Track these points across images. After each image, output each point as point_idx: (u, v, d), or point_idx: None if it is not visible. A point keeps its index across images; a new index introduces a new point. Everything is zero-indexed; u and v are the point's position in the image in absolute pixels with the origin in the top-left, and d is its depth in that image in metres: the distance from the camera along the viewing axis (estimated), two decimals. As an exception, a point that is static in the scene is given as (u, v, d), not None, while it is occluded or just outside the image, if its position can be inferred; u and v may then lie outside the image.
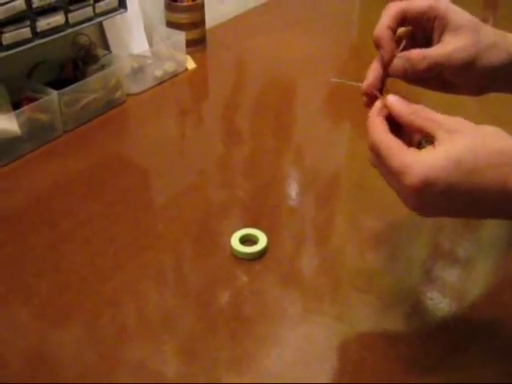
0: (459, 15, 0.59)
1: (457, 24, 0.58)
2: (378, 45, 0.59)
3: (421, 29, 0.61)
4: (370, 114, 0.55)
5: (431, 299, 0.74)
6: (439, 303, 0.73)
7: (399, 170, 0.50)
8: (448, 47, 0.58)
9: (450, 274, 0.78)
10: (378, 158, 0.53)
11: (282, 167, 1.03)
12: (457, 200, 0.49)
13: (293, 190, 0.98)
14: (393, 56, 0.59)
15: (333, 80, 0.60)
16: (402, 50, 0.60)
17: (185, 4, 1.37)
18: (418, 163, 0.49)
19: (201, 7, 1.39)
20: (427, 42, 0.61)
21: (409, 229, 0.87)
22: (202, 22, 1.41)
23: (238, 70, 1.39)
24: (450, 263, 0.80)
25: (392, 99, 0.54)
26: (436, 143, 0.50)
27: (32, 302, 0.74)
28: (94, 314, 0.72)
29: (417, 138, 0.54)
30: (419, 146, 0.53)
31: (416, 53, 0.58)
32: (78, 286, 0.76)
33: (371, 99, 0.59)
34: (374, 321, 0.71)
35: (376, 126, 0.54)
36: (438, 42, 0.60)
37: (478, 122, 0.51)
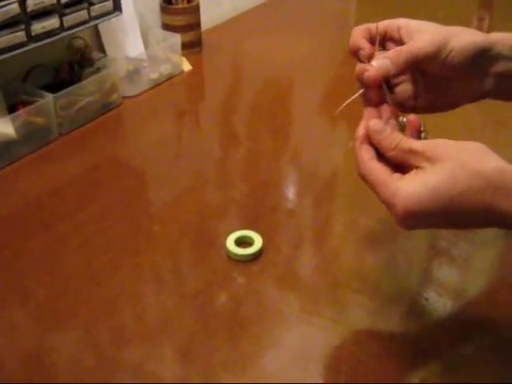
0: (412, 23, 0.61)
1: (421, 26, 0.60)
2: (355, 49, 0.61)
3: (389, 43, 0.63)
4: (356, 143, 0.57)
5: (427, 299, 0.74)
6: (435, 303, 0.74)
7: (385, 200, 0.53)
8: (417, 41, 0.59)
9: (446, 275, 0.79)
10: (367, 185, 0.56)
11: (278, 169, 1.03)
12: (442, 221, 0.52)
13: (289, 191, 0.98)
14: (372, 53, 0.61)
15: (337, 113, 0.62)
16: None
17: (180, 6, 1.37)
18: (399, 194, 0.51)
19: (196, 9, 1.39)
20: None
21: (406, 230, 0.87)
22: (198, 24, 1.41)
23: (234, 72, 1.39)
24: (446, 263, 0.81)
25: (374, 126, 0.56)
26: (416, 171, 0.52)
27: (29, 304, 0.74)
28: (91, 317, 0.72)
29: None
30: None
31: (391, 50, 0.60)
32: (75, 289, 0.76)
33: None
34: (370, 322, 0.71)
35: (361, 156, 0.56)
36: None
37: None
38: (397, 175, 0.53)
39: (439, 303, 0.73)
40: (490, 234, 0.86)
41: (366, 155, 0.56)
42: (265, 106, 1.23)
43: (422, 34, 0.59)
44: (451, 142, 0.52)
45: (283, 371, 0.66)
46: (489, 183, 0.49)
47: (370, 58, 0.61)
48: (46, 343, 0.69)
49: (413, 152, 0.52)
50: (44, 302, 0.75)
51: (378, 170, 0.54)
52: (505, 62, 0.60)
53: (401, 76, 0.61)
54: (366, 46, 0.61)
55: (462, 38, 0.59)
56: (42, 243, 0.84)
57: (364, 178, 0.56)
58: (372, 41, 0.62)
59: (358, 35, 0.62)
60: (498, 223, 0.51)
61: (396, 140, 0.54)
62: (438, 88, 0.62)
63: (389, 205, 0.52)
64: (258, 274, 0.78)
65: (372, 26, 0.62)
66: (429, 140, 0.53)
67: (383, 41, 0.63)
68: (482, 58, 0.59)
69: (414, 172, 0.52)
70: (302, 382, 0.64)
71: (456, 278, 0.79)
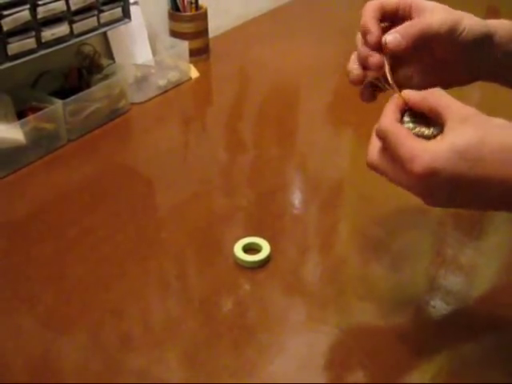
0: (432, 2, 0.61)
1: (431, 6, 0.60)
2: (364, 34, 0.61)
3: (400, 21, 0.62)
4: (386, 106, 0.56)
5: (434, 307, 0.74)
6: (441, 311, 0.74)
7: (406, 157, 0.50)
8: (428, 18, 0.59)
9: (453, 282, 0.79)
10: (385, 145, 0.54)
11: (285, 175, 1.03)
12: (460, 190, 0.50)
13: (296, 198, 0.99)
14: (379, 41, 0.60)
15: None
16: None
17: (188, 14, 1.38)
18: (425, 152, 0.49)
19: (204, 16, 1.40)
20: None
21: (411, 237, 0.87)
22: (206, 31, 1.42)
23: (241, 79, 1.40)
24: (452, 271, 0.81)
25: (407, 90, 0.55)
26: (445, 131, 0.51)
27: (37, 310, 0.75)
28: (98, 322, 0.73)
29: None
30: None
31: (403, 25, 0.60)
32: (82, 294, 0.77)
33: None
34: (376, 329, 0.71)
35: (387, 115, 0.54)
36: None
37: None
38: (420, 138, 0.52)
39: (446, 311, 0.73)
40: (495, 241, 0.86)
41: (393, 115, 0.54)
42: (271, 112, 1.23)
43: (435, 13, 0.60)
44: (481, 114, 0.52)
45: (289, 378, 0.66)
46: (510, 156, 0.49)
47: (376, 45, 0.60)
48: (53, 348, 0.69)
49: (447, 106, 0.52)
50: (51, 307, 0.75)
51: (402, 129, 0.53)
52: (503, 46, 0.62)
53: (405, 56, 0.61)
54: (374, 30, 0.60)
55: (473, 20, 0.60)
56: (50, 248, 0.84)
57: (385, 134, 0.53)
58: (384, 18, 0.61)
59: (370, 14, 0.61)
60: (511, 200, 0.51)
61: (433, 89, 0.54)
62: (435, 70, 0.63)
63: (410, 159, 0.50)
64: (264, 280, 0.78)
65: (385, 3, 0.61)
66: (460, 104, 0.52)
67: (393, 18, 0.62)
68: (486, 40, 0.61)
69: (439, 137, 0.51)
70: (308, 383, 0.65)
71: (463, 285, 0.78)
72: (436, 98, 0.53)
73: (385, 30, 0.61)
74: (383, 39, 0.59)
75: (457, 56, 0.62)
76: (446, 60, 0.62)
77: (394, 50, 0.59)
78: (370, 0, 0.63)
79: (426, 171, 0.49)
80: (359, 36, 0.63)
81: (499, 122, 0.51)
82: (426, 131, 0.53)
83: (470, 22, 0.60)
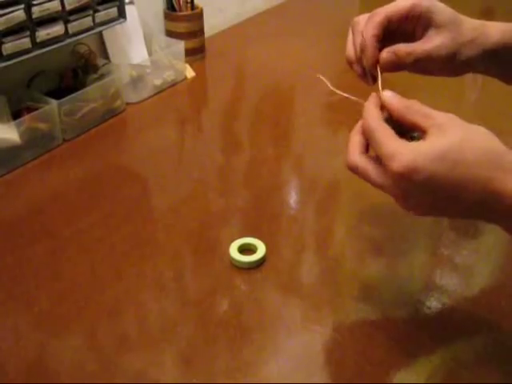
0: (442, 12, 0.62)
1: (440, 21, 0.62)
2: (362, 51, 0.63)
3: (403, 26, 0.64)
4: (366, 103, 0.57)
5: (429, 307, 0.74)
6: (437, 312, 0.74)
7: (388, 154, 0.51)
8: (431, 44, 0.62)
9: (448, 282, 0.79)
10: (370, 142, 0.54)
11: (280, 176, 1.03)
12: (439, 192, 0.50)
13: (292, 198, 0.99)
14: (375, 61, 0.62)
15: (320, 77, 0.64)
16: None
17: (184, 13, 1.38)
18: (406, 150, 0.50)
19: (200, 16, 1.40)
20: (407, 37, 0.64)
21: (407, 237, 0.87)
22: (201, 30, 1.42)
23: (236, 79, 1.40)
24: (448, 272, 0.81)
25: (388, 94, 0.56)
26: (426, 136, 0.51)
27: (32, 311, 0.75)
28: (93, 324, 0.73)
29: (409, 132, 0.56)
30: (411, 140, 0.54)
31: (403, 49, 0.62)
32: (77, 296, 0.76)
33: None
34: (372, 329, 0.71)
35: (371, 114, 0.55)
36: (421, 37, 0.63)
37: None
38: (403, 139, 0.53)
39: (442, 312, 0.74)
40: (491, 242, 0.87)
41: (376, 114, 0.55)
42: (267, 112, 1.23)
43: (439, 36, 0.62)
44: (461, 120, 0.52)
45: (285, 379, 0.66)
46: (492, 160, 0.49)
47: (372, 62, 0.62)
48: (48, 349, 0.69)
49: (425, 115, 0.52)
50: (47, 309, 0.75)
51: (386, 128, 0.53)
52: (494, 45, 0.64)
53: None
54: (371, 54, 0.62)
55: (475, 45, 0.63)
56: (45, 249, 0.84)
57: (370, 133, 0.54)
58: (387, 29, 0.62)
59: (372, 31, 0.61)
60: (490, 207, 0.50)
61: (411, 101, 0.54)
62: (424, 66, 0.65)
63: (391, 156, 0.50)
64: (260, 281, 0.78)
65: (392, 13, 0.62)
66: (440, 112, 0.53)
67: (398, 26, 0.63)
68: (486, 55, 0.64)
69: (421, 139, 0.52)
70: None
71: (458, 285, 0.79)
72: (412, 111, 0.53)
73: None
74: (380, 56, 0.62)
75: (451, 72, 0.65)
76: (440, 73, 0.66)
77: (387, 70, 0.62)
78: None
79: (406, 169, 0.49)
80: (357, 21, 0.64)
81: (479, 128, 0.52)
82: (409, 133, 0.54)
83: (469, 51, 0.63)
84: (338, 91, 0.63)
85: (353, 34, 0.65)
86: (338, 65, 1.46)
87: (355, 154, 0.56)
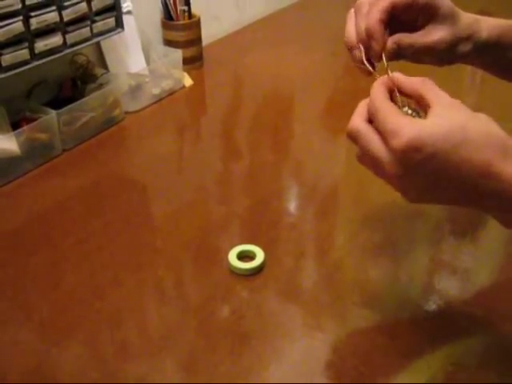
0: (445, 5, 0.64)
1: (442, 14, 0.64)
2: (369, 36, 0.62)
3: (405, 14, 0.64)
4: (374, 83, 0.56)
5: (428, 312, 0.74)
6: (436, 316, 0.74)
7: (392, 129, 0.50)
8: (433, 37, 0.64)
9: (447, 287, 0.79)
10: (373, 119, 0.54)
11: (279, 182, 1.03)
12: (439, 172, 0.50)
13: (291, 204, 0.99)
14: (383, 47, 0.62)
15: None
16: None
17: (181, 22, 1.39)
18: (411, 127, 0.50)
19: (197, 25, 1.41)
20: (407, 26, 0.65)
21: (406, 243, 0.87)
22: (199, 39, 1.43)
23: (235, 86, 1.40)
24: (447, 276, 0.81)
25: (398, 74, 0.56)
26: (430, 115, 0.51)
27: (33, 320, 0.75)
28: (94, 332, 0.73)
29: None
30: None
31: (406, 40, 0.63)
32: (78, 304, 0.77)
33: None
34: (372, 335, 0.72)
35: (378, 92, 0.55)
36: (422, 27, 0.65)
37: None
38: (409, 116, 0.53)
39: (442, 316, 0.74)
40: (490, 245, 0.87)
41: (384, 94, 0.54)
42: (266, 119, 1.24)
43: (440, 30, 0.64)
44: (465, 106, 0.52)
45: (285, 385, 0.66)
46: (494, 143, 0.50)
47: (378, 53, 0.62)
48: (49, 358, 0.70)
49: (435, 93, 0.52)
50: (47, 317, 0.75)
51: (392, 106, 0.53)
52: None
53: None
54: (378, 40, 0.61)
55: (470, 41, 0.66)
56: (45, 258, 0.84)
57: (375, 110, 0.53)
58: (393, 16, 0.62)
59: (379, 16, 0.61)
60: (487, 191, 0.50)
61: (422, 78, 0.55)
62: (421, 57, 0.66)
63: (396, 132, 0.50)
64: (260, 287, 0.79)
65: (396, 1, 0.62)
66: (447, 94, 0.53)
67: (404, 12, 0.63)
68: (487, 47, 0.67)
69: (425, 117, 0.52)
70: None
71: (457, 289, 0.79)
72: (425, 85, 0.53)
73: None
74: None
75: (442, 63, 0.67)
76: (432, 63, 0.67)
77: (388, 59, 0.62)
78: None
79: (410, 145, 0.49)
80: (361, 4, 0.64)
81: (481, 114, 0.52)
82: (414, 113, 0.54)
83: (464, 47, 0.66)
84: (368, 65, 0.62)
85: (356, 17, 0.64)
86: (335, 71, 1.47)
87: (358, 119, 0.55)
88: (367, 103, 0.55)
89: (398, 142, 0.49)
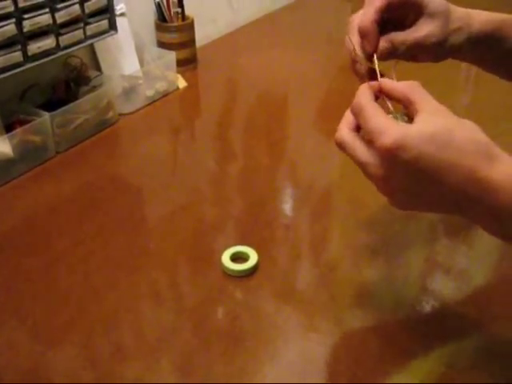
0: (434, 1, 0.64)
1: (432, 9, 0.64)
2: (363, 36, 0.63)
3: (396, 12, 0.64)
4: (361, 86, 0.57)
5: (422, 313, 0.75)
6: (430, 317, 0.74)
7: (377, 129, 0.51)
8: (422, 32, 0.64)
9: (444, 288, 0.79)
10: (358, 120, 0.54)
11: (274, 184, 1.03)
12: (423, 173, 0.50)
13: (285, 206, 0.99)
14: (376, 47, 0.63)
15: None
16: None
17: (175, 24, 1.39)
18: (396, 127, 0.50)
19: (191, 27, 1.41)
20: (398, 24, 0.65)
21: (401, 244, 0.87)
22: (193, 41, 1.43)
23: (229, 88, 1.40)
24: (441, 277, 0.81)
25: (386, 79, 0.57)
26: (416, 120, 0.51)
27: (27, 323, 0.75)
28: (89, 334, 0.73)
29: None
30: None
31: (397, 38, 0.64)
32: (72, 306, 0.77)
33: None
34: (366, 335, 0.72)
35: (364, 93, 0.55)
36: (412, 24, 0.65)
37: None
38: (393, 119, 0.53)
39: (437, 317, 0.74)
40: (485, 247, 0.87)
41: (369, 95, 0.55)
42: (260, 121, 1.24)
43: (430, 25, 0.64)
44: (451, 113, 0.53)
45: (280, 386, 0.66)
46: (479, 150, 0.50)
47: (370, 53, 0.63)
48: (44, 360, 0.69)
49: (424, 98, 0.53)
50: (41, 320, 0.75)
51: (377, 107, 0.53)
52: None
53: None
54: (372, 41, 0.62)
55: (461, 34, 0.66)
56: (39, 260, 0.84)
57: (360, 109, 0.54)
58: (388, 14, 0.63)
59: (372, 16, 0.62)
60: (473, 198, 0.50)
61: (414, 82, 0.55)
62: (413, 54, 0.66)
63: (381, 131, 0.50)
64: (254, 289, 0.79)
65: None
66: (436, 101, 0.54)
67: (399, 9, 0.64)
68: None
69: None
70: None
71: (452, 289, 0.79)
72: (413, 90, 0.54)
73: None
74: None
75: (435, 59, 0.68)
76: (424, 59, 0.68)
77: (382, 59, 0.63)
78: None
79: (394, 145, 0.49)
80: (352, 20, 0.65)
81: (467, 121, 0.52)
82: (400, 119, 0.54)
83: (455, 40, 0.66)
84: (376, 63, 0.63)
85: (348, 31, 0.65)
86: (329, 72, 1.48)
87: (344, 129, 0.56)
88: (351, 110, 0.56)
89: (385, 140, 0.50)
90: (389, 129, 0.50)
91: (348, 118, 0.56)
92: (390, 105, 0.55)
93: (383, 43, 0.63)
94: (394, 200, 0.55)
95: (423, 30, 0.64)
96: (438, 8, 0.64)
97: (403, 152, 0.49)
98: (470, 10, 0.68)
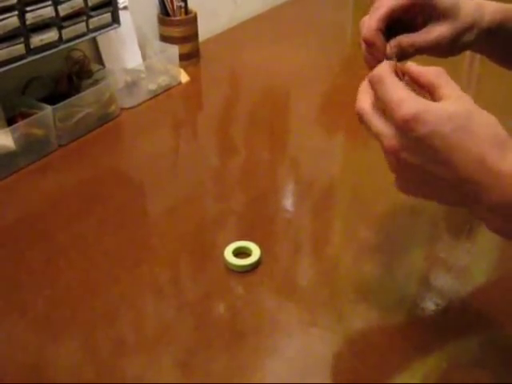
0: (444, 1, 0.63)
1: (442, 9, 0.63)
2: (369, 46, 0.62)
3: (405, 15, 0.63)
4: (382, 63, 0.55)
5: (424, 310, 0.74)
6: (432, 314, 0.74)
7: (397, 100, 0.50)
8: (433, 35, 0.64)
9: (444, 284, 0.79)
10: (376, 90, 0.53)
11: (276, 179, 1.03)
12: (434, 153, 0.49)
13: (287, 201, 0.99)
14: (384, 54, 0.62)
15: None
16: None
17: (177, 18, 1.38)
18: (416, 101, 0.49)
19: (194, 21, 1.40)
20: (408, 26, 0.64)
21: (403, 239, 0.87)
22: (195, 35, 1.42)
23: (231, 83, 1.40)
24: (443, 273, 0.81)
25: (412, 63, 0.56)
26: (440, 101, 0.51)
27: (28, 316, 0.75)
28: (90, 328, 0.73)
29: None
30: None
31: (406, 41, 0.63)
32: (73, 301, 0.77)
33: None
34: (368, 331, 0.72)
35: (384, 66, 0.54)
36: (422, 25, 0.64)
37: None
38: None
39: (438, 313, 0.74)
40: (486, 242, 0.87)
41: (389, 68, 0.54)
42: (262, 116, 1.23)
43: (440, 26, 0.63)
44: (472, 100, 0.52)
45: (281, 382, 0.66)
46: (493, 139, 0.49)
47: (379, 61, 0.61)
48: (45, 355, 0.69)
49: (449, 85, 0.52)
50: (43, 314, 0.75)
51: (397, 79, 0.53)
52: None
53: None
54: (379, 49, 0.61)
55: (473, 31, 0.65)
56: (41, 255, 0.84)
57: (379, 80, 0.52)
58: (392, 21, 0.62)
59: (376, 25, 0.61)
60: (482, 188, 0.49)
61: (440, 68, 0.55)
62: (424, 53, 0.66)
63: (401, 102, 0.50)
64: (256, 284, 0.79)
65: (397, 4, 0.61)
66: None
67: (404, 15, 0.63)
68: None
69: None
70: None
71: (453, 286, 0.79)
72: (440, 77, 0.53)
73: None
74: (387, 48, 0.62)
75: (447, 55, 0.67)
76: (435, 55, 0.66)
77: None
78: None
79: (412, 117, 0.48)
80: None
81: (490, 114, 0.52)
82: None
83: (466, 37, 0.65)
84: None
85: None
86: (332, 68, 1.47)
87: (363, 99, 0.55)
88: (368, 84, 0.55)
89: (403, 111, 0.49)
90: (410, 100, 0.49)
91: (366, 89, 0.55)
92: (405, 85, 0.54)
93: (391, 48, 0.62)
94: (399, 179, 0.54)
95: (434, 32, 0.63)
96: (448, 7, 0.63)
97: (419, 125, 0.48)
98: (481, 1, 0.66)
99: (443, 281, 0.80)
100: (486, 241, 0.87)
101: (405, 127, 0.49)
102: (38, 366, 0.68)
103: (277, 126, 1.20)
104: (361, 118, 0.55)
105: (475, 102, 0.52)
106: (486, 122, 0.50)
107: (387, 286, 0.79)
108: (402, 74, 0.55)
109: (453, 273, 0.81)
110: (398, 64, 0.56)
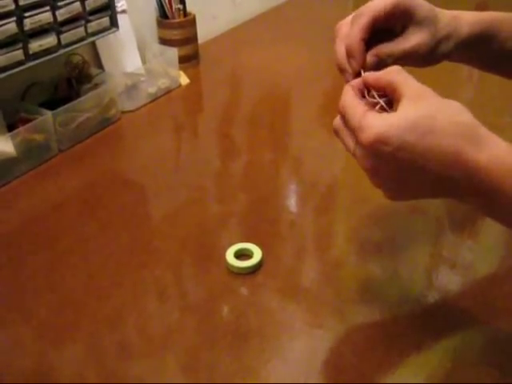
0: (422, 9, 0.63)
1: (420, 18, 0.63)
2: (350, 56, 0.62)
3: (385, 24, 0.63)
4: (345, 86, 0.57)
5: (427, 309, 0.74)
6: (435, 312, 0.74)
7: (359, 126, 0.51)
8: (410, 43, 0.63)
9: (449, 282, 0.79)
10: (343, 119, 0.55)
11: (278, 180, 1.03)
12: (407, 162, 0.50)
13: (289, 202, 0.99)
14: (363, 64, 0.62)
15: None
16: None
17: (176, 20, 1.38)
18: (376, 121, 0.50)
19: (192, 23, 1.40)
20: (387, 34, 0.64)
21: (406, 238, 0.87)
22: (195, 37, 1.42)
23: (231, 84, 1.40)
24: (446, 271, 0.81)
25: (368, 72, 0.57)
26: (398, 108, 0.51)
27: (31, 322, 0.75)
28: (93, 333, 0.73)
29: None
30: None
31: (384, 50, 0.63)
32: (76, 305, 0.77)
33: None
34: (371, 332, 0.71)
35: (346, 92, 0.56)
36: (400, 33, 0.64)
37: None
38: (375, 111, 0.53)
39: (442, 313, 0.74)
40: (489, 240, 0.87)
41: (352, 92, 0.56)
42: (264, 117, 1.23)
43: (418, 34, 0.63)
44: (436, 94, 0.53)
45: (285, 382, 0.66)
46: (464, 132, 0.49)
47: (357, 71, 0.62)
48: (48, 360, 0.69)
49: (406, 84, 0.53)
50: (46, 319, 0.75)
51: (359, 103, 0.54)
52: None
53: None
54: (359, 60, 0.62)
55: (450, 40, 0.65)
56: (43, 259, 0.84)
57: (344, 109, 0.55)
58: (375, 30, 0.62)
59: (359, 35, 0.61)
60: (462, 181, 0.50)
61: (395, 67, 0.55)
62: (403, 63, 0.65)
63: (361, 128, 0.51)
64: (258, 286, 0.78)
65: (378, 13, 0.61)
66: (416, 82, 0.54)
67: (386, 23, 0.63)
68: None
69: (392, 110, 0.53)
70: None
71: (457, 284, 0.79)
72: (394, 76, 0.54)
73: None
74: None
75: (426, 64, 0.67)
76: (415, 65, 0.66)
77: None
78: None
79: (376, 140, 0.49)
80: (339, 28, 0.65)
81: (452, 102, 0.52)
82: (388, 106, 0.54)
83: (444, 47, 0.65)
84: None
85: (335, 41, 0.66)
86: (332, 68, 1.47)
87: (338, 119, 0.57)
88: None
89: (366, 137, 0.50)
90: (368, 125, 0.50)
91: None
92: (376, 95, 0.55)
93: (370, 58, 0.62)
94: (385, 191, 0.55)
95: (411, 40, 0.63)
96: (425, 15, 0.63)
97: (385, 145, 0.49)
98: (457, 13, 0.67)
99: (447, 278, 0.79)
100: (490, 238, 0.87)
101: (371, 150, 0.50)
102: (42, 371, 0.68)
103: (278, 126, 1.20)
104: (337, 134, 0.57)
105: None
106: (450, 119, 0.50)
107: (390, 285, 0.79)
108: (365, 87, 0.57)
109: (456, 270, 0.81)
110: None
